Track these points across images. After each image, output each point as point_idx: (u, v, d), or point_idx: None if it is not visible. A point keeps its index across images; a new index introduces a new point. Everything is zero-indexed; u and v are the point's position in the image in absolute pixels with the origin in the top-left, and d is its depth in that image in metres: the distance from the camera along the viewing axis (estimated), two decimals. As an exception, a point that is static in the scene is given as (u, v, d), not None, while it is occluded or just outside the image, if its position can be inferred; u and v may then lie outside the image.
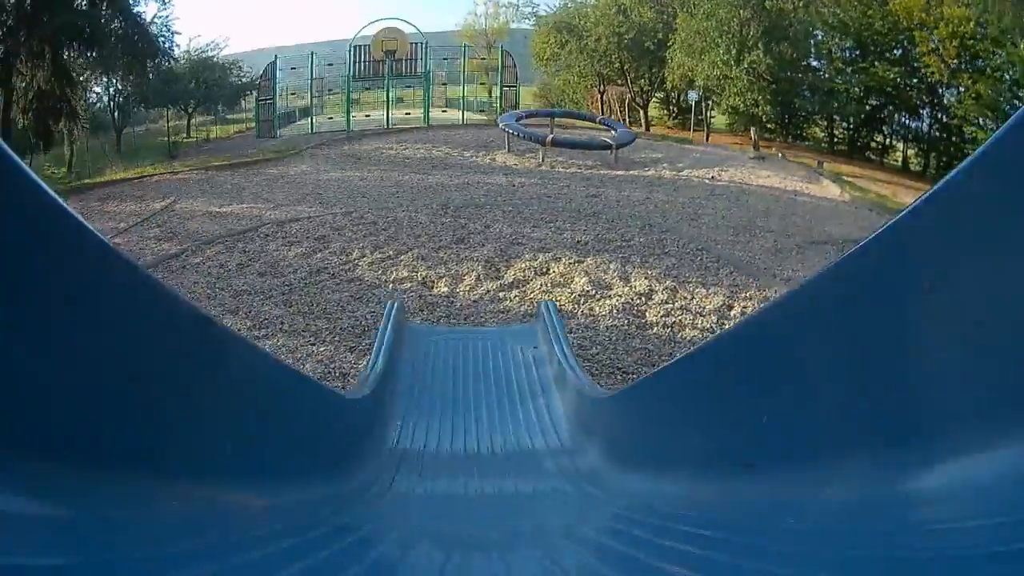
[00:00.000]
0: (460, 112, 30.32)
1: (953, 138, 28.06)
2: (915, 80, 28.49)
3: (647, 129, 33.94)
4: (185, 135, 28.96)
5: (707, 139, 25.34)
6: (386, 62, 28.35)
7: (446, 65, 33.07)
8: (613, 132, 19.32)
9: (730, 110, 23.99)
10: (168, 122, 28.77)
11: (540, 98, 48.02)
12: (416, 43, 29.71)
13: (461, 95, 30.82)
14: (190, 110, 31.21)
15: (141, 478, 1.15)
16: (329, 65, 30.48)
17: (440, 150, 19.50)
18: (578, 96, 40.95)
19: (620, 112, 40.68)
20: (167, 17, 27.04)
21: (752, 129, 24.58)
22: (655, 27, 29.13)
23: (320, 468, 2.37)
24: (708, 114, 27.21)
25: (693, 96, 26.21)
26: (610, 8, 30.11)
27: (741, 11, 21.57)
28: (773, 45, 21.72)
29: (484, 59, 48.90)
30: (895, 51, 28.65)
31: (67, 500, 0.96)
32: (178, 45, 27.53)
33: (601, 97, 38.36)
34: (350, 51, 29.08)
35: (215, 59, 32.00)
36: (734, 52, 21.98)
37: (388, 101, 28.31)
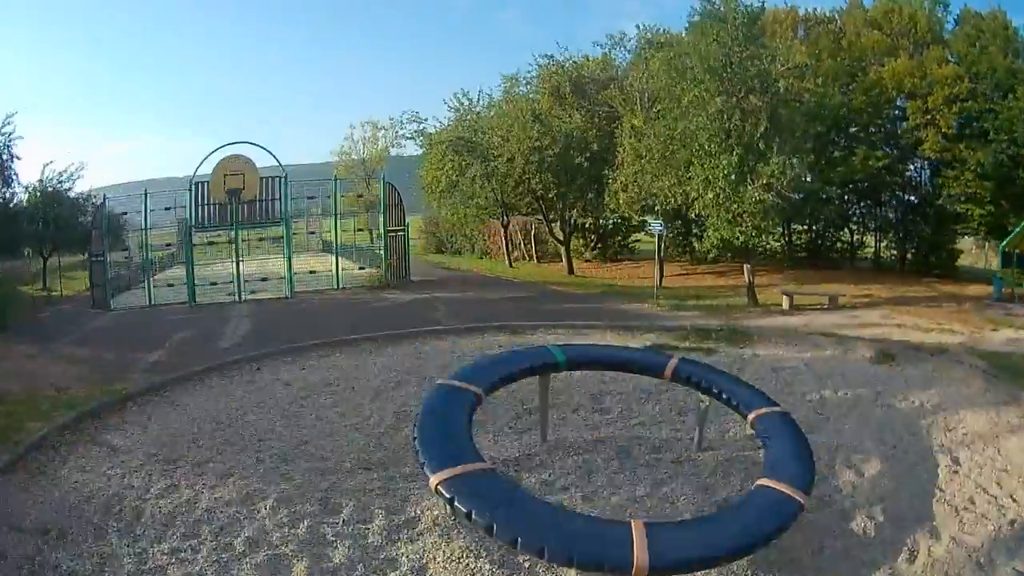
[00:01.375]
0: (333, 272, 22.06)
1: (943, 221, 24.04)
2: (901, 164, 24.54)
3: (571, 270, 27.37)
4: (42, 285, 24.82)
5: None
6: (232, 204, 19.89)
7: (316, 202, 25.19)
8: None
9: (720, 242, 17.36)
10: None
11: (427, 234, 41.14)
12: (272, 178, 21.59)
13: (334, 253, 22.49)
14: (44, 254, 25.81)
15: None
16: (166, 209, 22.19)
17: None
18: (471, 229, 34.31)
19: (525, 246, 34.07)
20: (8, 137, 22.90)
21: (746, 267, 18.34)
22: (586, 135, 23.16)
23: None
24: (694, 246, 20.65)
25: (657, 227, 19.68)
26: (522, 114, 23.74)
27: (748, 97, 15.53)
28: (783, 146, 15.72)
29: (362, 195, 42.21)
30: (880, 129, 24.80)
31: None
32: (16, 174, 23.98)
33: (505, 231, 32.34)
34: (191, 190, 20.53)
35: (67, 192, 26.64)
36: (744, 162, 15.66)
37: (237, 262, 19.62)
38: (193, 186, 20.66)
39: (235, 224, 20.53)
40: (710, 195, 16.36)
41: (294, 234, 23.46)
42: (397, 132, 37.34)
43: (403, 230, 23.48)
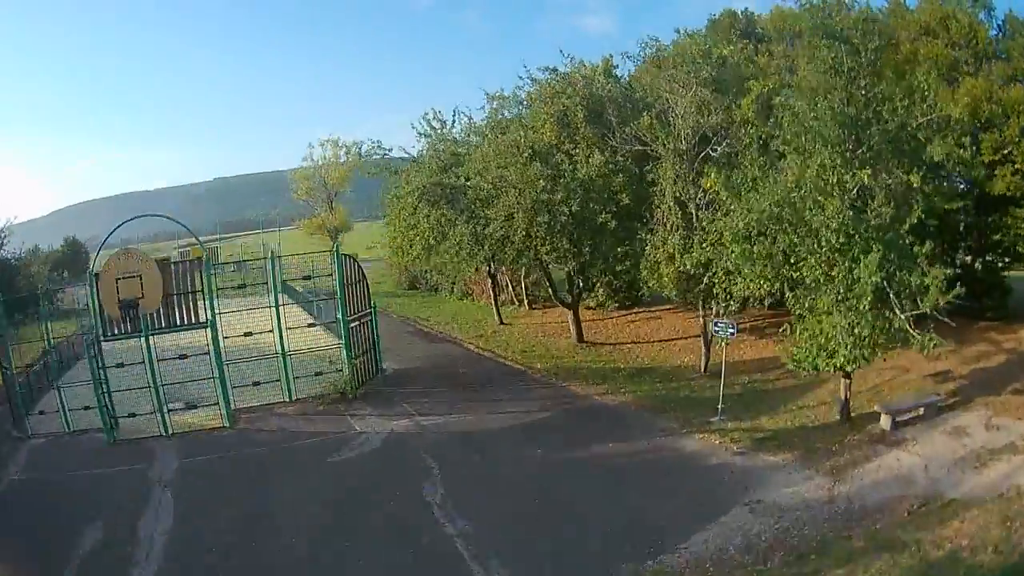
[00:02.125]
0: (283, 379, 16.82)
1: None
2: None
3: (580, 337, 22.42)
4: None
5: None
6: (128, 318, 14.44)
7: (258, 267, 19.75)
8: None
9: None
10: None
11: (397, 267, 35.19)
12: (190, 261, 16.12)
13: (281, 354, 16.89)
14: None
15: None
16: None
17: None
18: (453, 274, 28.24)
19: (515, 288, 29.17)
20: None
21: (844, 383, 13.68)
22: (611, 183, 17.75)
23: None
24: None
25: (728, 331, 14.69)
26: (518, 151, 18.11)
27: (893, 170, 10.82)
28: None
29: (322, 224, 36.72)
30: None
31: None
32: None
33: (493, 280, 27.36)
34: (90, 285, 15.12)
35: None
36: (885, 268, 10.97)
37: (157, 387, 14.36)
38: (92, 278, 15.05)
39: (145, 330, 14.93)
40: (842, 321, 11.58)
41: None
42: (361, 158, 31.55)
43: (369, 314, 18.20)
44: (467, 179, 18.95)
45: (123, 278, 13.91)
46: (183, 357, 15.59)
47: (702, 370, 18.13)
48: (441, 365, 20.53)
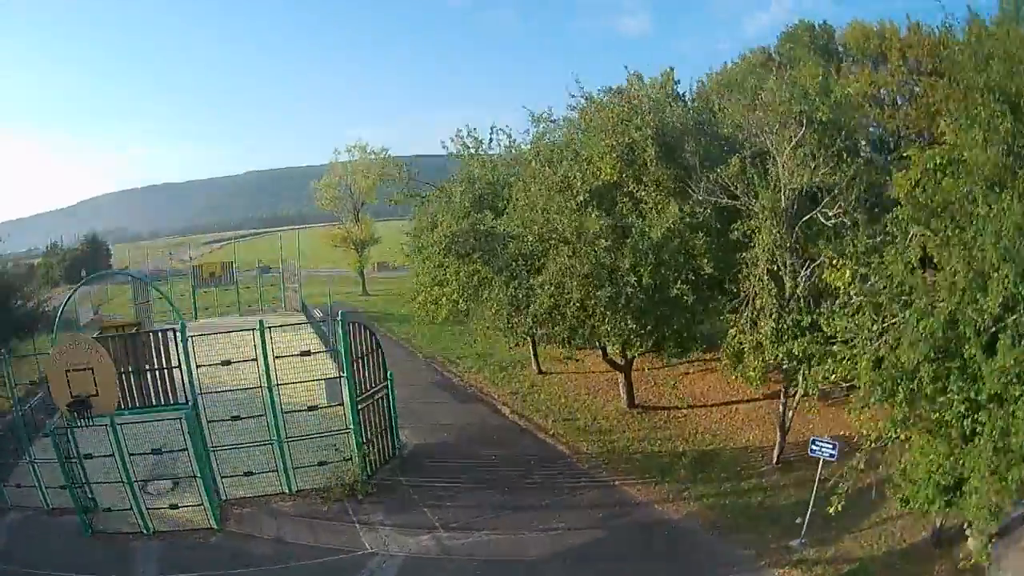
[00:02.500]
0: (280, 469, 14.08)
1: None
2: None
3: (631, 402, 18.90)
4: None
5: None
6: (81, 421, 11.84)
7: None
8: None
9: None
10: None
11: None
12: (164, 331, 13.54)
13: (278, 440, 13.81)
14: None
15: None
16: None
17: None
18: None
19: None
20: None
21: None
22: (690, 242, 14.17)
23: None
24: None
25: (828, 451, 11.57)
26: (572, 197, 14.85)
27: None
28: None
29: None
30: None
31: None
32: None
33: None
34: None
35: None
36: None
37: (131, 484, 11.93)
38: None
39: (112, 420, 12.26)
40: (982, 464, 8.26)
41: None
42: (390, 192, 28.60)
43: (385, 388, 15.28)
44: (506, 228, 15.66)
45: (74, 370, 11.18)
46: (157, 452, 12.88)
47: (774, 461, 15.10)
48: (470, 441, 17.40)
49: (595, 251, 13.65)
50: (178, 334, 12.60)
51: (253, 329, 12.99)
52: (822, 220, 12.26)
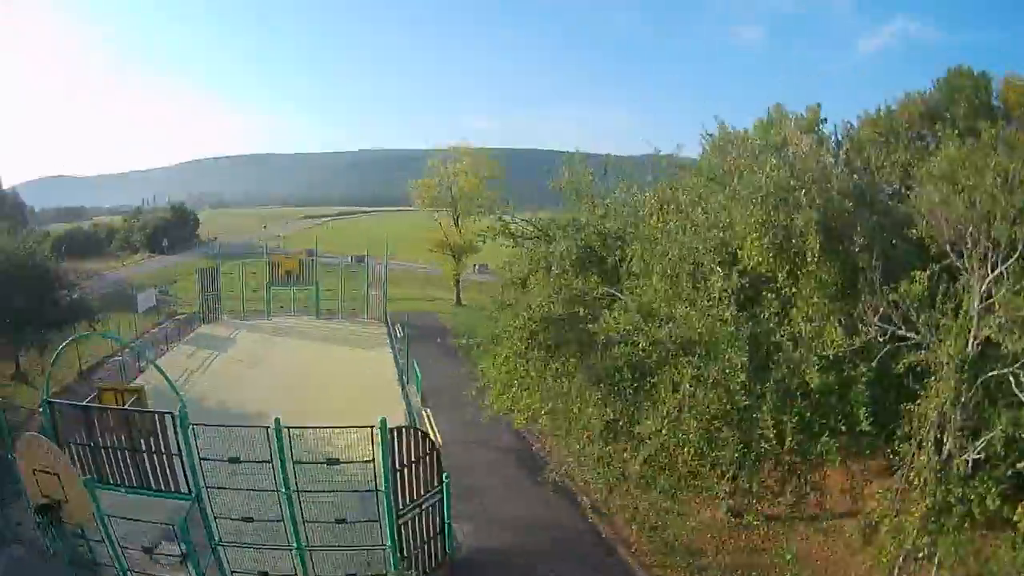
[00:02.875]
0: None
1: None
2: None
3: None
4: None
5: None
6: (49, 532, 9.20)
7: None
8: None
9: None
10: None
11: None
12: (162, 414, 10.84)
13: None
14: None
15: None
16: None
17: None
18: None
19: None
20: None
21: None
22: (843, 381, 10.12)
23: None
24: None
25: None
26: (707, 286, 11.26)
27: None
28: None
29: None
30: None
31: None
32: None
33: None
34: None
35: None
36: None
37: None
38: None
39: (99, 511, 9.82)
40: None
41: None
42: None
43: (439, 491, 12.04)
44: (615, 319, 11.81)
45: (40, 471, 8.74)
46: (148, 552, 10.39)
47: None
48: (536, 550, 14.01)
49: (728, 379, 9.61)
50: (177, 419, 9.90)
51: (267, 427, 10.05)
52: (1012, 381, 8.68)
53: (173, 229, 76.40)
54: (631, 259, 12.52)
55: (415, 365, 19.87)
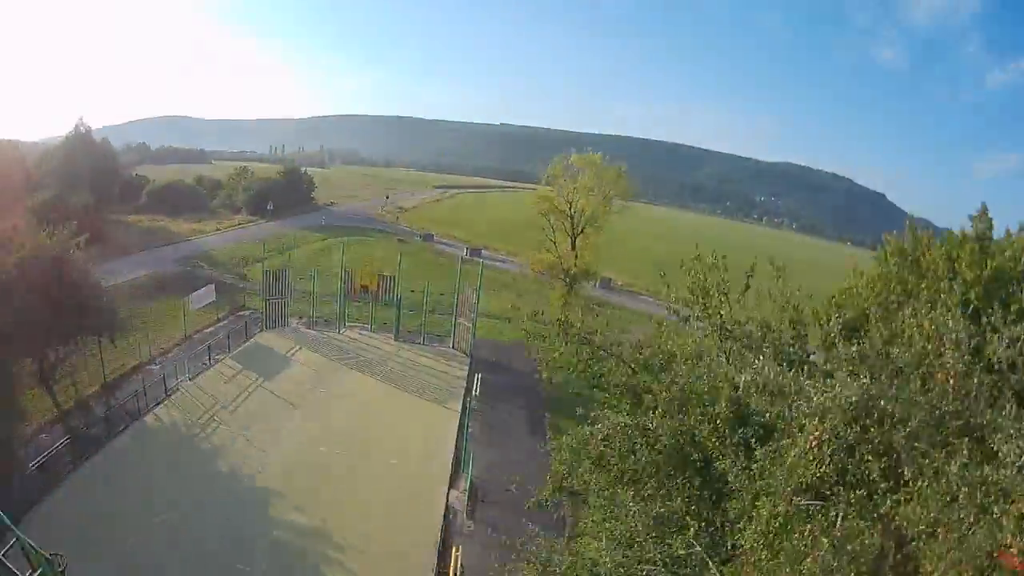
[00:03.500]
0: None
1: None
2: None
3: None
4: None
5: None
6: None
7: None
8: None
9: None
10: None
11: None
12: None
13: None
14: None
15: None
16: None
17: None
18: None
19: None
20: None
21: None
22: None
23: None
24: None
25: None
26: None
27: None
28: None
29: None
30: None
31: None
32: None
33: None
34: None
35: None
36: None
37: None
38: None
39: None
40: None
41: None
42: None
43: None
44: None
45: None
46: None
47: None
48: None
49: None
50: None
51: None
52: None
53: (282, 191, 69.32)
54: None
55: (470, 454, 16.38)
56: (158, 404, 17.77)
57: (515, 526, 12.13)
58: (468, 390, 21.24)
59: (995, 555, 4.22)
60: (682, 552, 6.68)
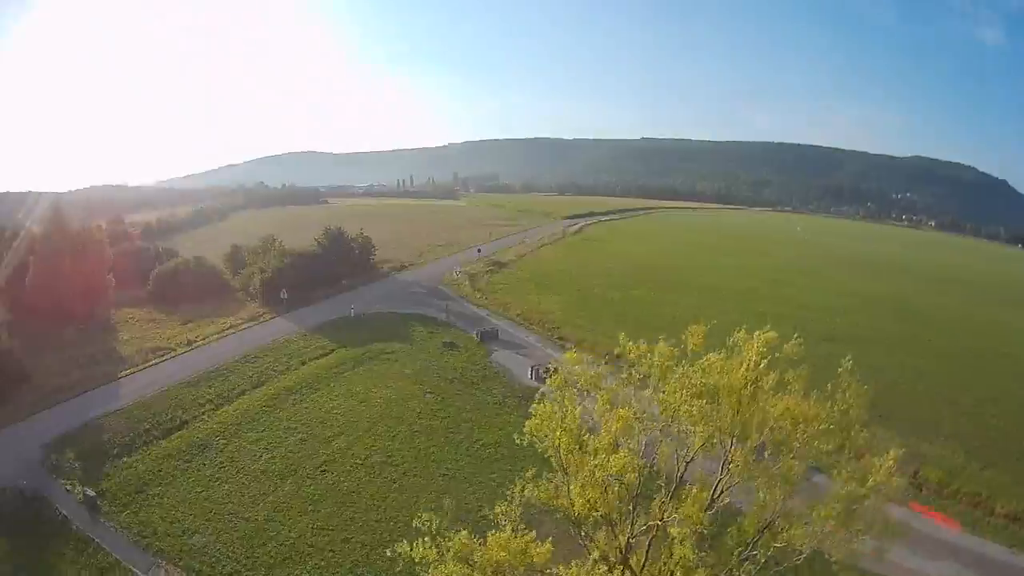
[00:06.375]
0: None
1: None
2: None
3: None
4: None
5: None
6: None
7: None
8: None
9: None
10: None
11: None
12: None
13: None
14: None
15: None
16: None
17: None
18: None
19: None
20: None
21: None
22: None
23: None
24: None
25: None
26: None
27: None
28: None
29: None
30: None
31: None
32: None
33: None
34: None
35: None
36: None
37: None
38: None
39: None
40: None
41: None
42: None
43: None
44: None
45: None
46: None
47: None
48: None
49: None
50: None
51: None
52: None
53: (322, 264, 54.90)
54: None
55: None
56: None
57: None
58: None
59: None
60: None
